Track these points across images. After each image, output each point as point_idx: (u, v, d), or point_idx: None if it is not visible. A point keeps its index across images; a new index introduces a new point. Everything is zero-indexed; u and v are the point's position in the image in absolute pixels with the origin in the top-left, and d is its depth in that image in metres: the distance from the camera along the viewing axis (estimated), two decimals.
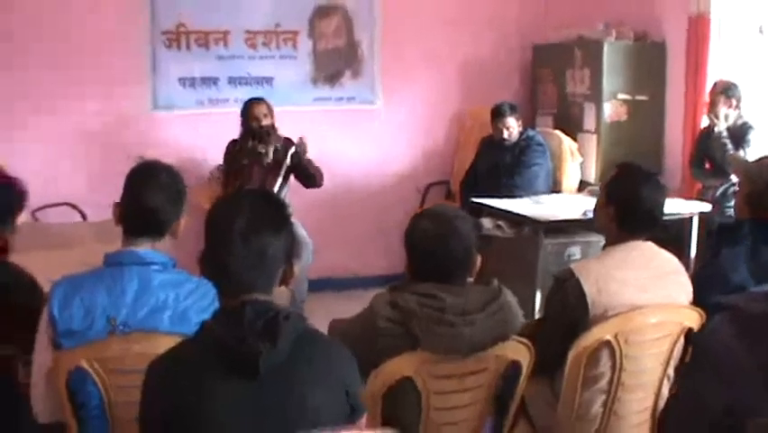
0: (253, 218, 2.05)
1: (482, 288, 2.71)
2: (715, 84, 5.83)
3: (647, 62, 6.57)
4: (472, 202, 5.93)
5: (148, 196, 2.76)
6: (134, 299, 2.67)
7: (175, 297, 2.70)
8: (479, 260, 2.74)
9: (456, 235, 2.67)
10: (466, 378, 2.65)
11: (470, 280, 2.73)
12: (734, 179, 5.50)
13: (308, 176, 5.92)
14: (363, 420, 2.16)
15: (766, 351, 2.15)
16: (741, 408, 2.08)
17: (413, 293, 2.62)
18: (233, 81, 6.65)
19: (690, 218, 5.64)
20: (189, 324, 2.60)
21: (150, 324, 2.65)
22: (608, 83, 6.47)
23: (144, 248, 2.76)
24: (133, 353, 2.58)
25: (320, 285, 6.19)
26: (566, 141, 6.64)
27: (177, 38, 6.48)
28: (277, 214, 2.13)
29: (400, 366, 2.56)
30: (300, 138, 5.86)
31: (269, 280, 2.07)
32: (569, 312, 2.97)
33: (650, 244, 3.10)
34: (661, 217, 3.13)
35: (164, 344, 2.26)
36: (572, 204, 5.77)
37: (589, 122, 6.66)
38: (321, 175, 5.96)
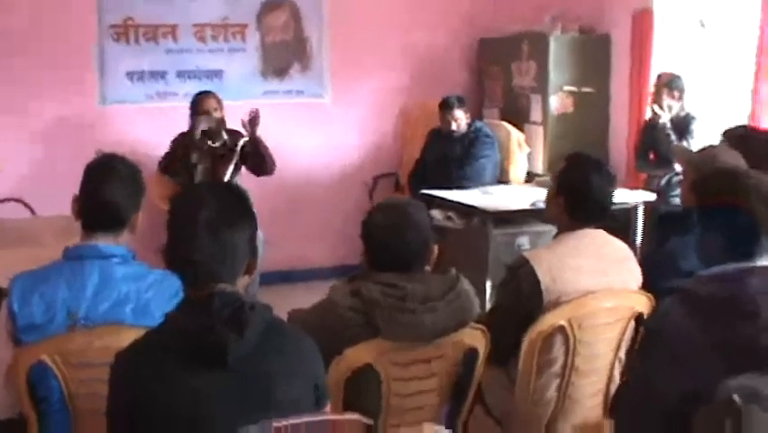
0: (218, 210, 2.08)
1: (441, 276, 2.76)
2: (659, 76, 5.97)
3: (593, 55, 6.70)
4: (422, 194, 5.98)
5: (107, 190, 2.76)
6: (95, 293, 2.67)
7: (137, 290, 2.71)
8: (435, 249, 2.79)
9: (412, 226, 2.72)
10: (426, 365, 2.70)
11: (428, 269, 2.78)
12: (677, 168, 5.63)
13: (261, 161, 5.89)
14: (328, 408, 2.20)
15: (719, 330, 2.23)
16: (696, 391, 2.16)
17: (376, 283, 2.66)
18: (181, 75, 6.62)
19: (636, 207, 5.76)
20: (152, 316, 2.61)
21: (113, 317, 2.66)
22: (554, 76, 6.59)
23: (104, 242, 2.76)
24: (96, 346, 2.58)
25: (270, 277, 6.20)
26: (514, 132, 6.73)
27: (125, 32, 6.43)
28: (241, 205, 2.16)
29: (361, 354, 2.60)
30: (251, 110, 5.81)
31: (234, 271, 2.09)
32: (523, 300, 3.03)
33: (601, 231, 3.18)
34: (610, 206, 3.21)
35: (127, 337, 2.27)
36: (521, 194, 5.86)
37: (536, 114, 6.77)
38: (273, 162, 5.96)
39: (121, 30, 6.42)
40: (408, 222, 2.72)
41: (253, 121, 5.75)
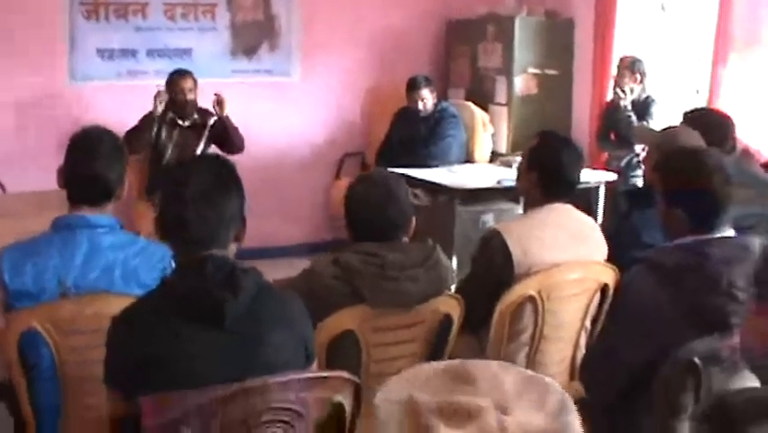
0: (211, 178, 2.19)
1: (419, 245, 2.88)
2: (621, 59, 6.13)
3: (557, 38, 6.86)
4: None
5: (94, 166, 2.80)
6: (84, 262, 2.74)
7: (124, 257, 2.78)
8: (413, 221, 2.91)
9: (393, 198, 2.83)
10: (405, 331, 2.83)
11: (406, 240, 2.90)
12: (637, 149, 5.81)
13: (229, 141, 5.99)
14: (315, 366, 2.32)
15: (688, 298, 2.40)
16: (663, 350, 2.32)
17: (355, 252, 2.77)
18: (151, 53, 6.63)
19: (597, 187, 5.92)
20: (141, 283, 2.71)
21: (102, 284, 2.72)
22: (519, 57, 6.73)
23: (91, 213, 2.82)
24: (86, 313, 2.65)
25: (237, 255, 6.24)
26: (478, 113, 6.85)
27: (95, 9, 6.43)
28: (231, 175, 2.27)
29: (343, 320, 2.71)
30: (216, 96, 5.94)
31: (225, 239, 2.20)
32: (495, 270, 3.16)
33: (568, 206, 3.31)
34: (579, 182, 3.36)
35: (116, 304, 2.35)
36: (485, 173, 6.01)
37: (501, 95, 6.91)
38: (241, 141, 6.06)
39: (91, 7, 6.41)
40: (390, 196, 2.83)
41: (219, 103, 5.91)
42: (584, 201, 5.44)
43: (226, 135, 6.01)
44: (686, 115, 4.15)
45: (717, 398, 1.57)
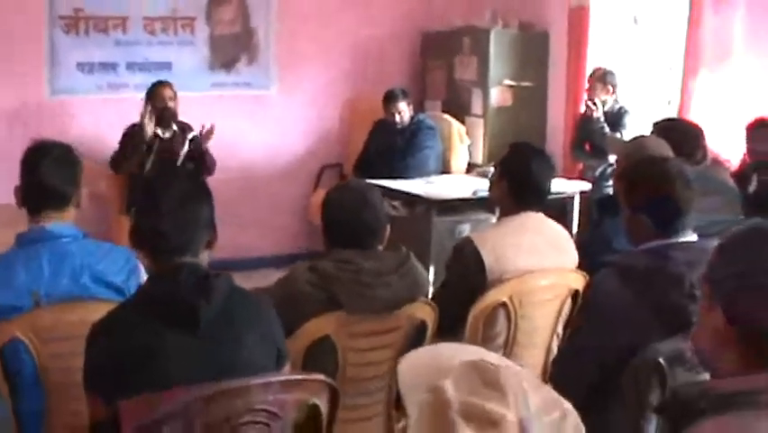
0: (185, 186, 2.32)
1: (393, 253, 2.96)
2: (593, 71, 6.23)
3: (531, 50, 6.96)
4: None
5: (46, 174, 2.84)
6: (52, 273, 2.77)
7: (90, 262, 2.82)
8: (388, 229, 2.99)
9: (369, 206, 2.91)
10: (380, 336, 2.90)
11: (381, 248, 2.97)
12: (611, 159, 5.91)
13: (201, 165, 6.03)
14: (287, 367, 2.40)
15: (655, 299, 2.49)
16: (632, 347, 2.41)
17: (331, 260, 2.85)
18: (131, 67, 6.68)
19: (572, 196, 6.01)
20: (110, 285, 2.80)
21: (74, 290, 2.77)
22: (494, 70, 6.82)
23: (52, 221, 2.85)
24: (65, 321, 2.70)
25: (213, 266, 6.26)
26: (455, 124, 6.93)
27: (75, 23, 6.48)
28: (201, 185, 2.40)
29: (320, 326, 2.78)
30: (211, 126, 5.98)
31: (197, 245, 2.30)
32: (469, 277, 3.24)
33: (540, 214, 3.40)
34: (549, 191, 3.44)
35: (94, 310, 2.45)
36: (462, 184, 6.08)
37: (477, 106, 6.99)
38: (213, 168, 6.10)
39: (71, 22, 6.47)
40: (365, 202, 2.91)
41: (208, 135, 5.96)
42: (559, 210, 5.53)
43: (202, 160, 6.05)
44: (656, 124, 4.24)
45: (672, 391, 1.65)
